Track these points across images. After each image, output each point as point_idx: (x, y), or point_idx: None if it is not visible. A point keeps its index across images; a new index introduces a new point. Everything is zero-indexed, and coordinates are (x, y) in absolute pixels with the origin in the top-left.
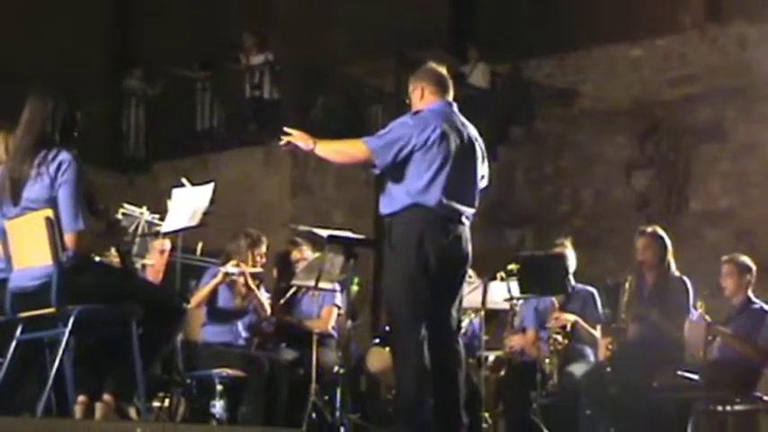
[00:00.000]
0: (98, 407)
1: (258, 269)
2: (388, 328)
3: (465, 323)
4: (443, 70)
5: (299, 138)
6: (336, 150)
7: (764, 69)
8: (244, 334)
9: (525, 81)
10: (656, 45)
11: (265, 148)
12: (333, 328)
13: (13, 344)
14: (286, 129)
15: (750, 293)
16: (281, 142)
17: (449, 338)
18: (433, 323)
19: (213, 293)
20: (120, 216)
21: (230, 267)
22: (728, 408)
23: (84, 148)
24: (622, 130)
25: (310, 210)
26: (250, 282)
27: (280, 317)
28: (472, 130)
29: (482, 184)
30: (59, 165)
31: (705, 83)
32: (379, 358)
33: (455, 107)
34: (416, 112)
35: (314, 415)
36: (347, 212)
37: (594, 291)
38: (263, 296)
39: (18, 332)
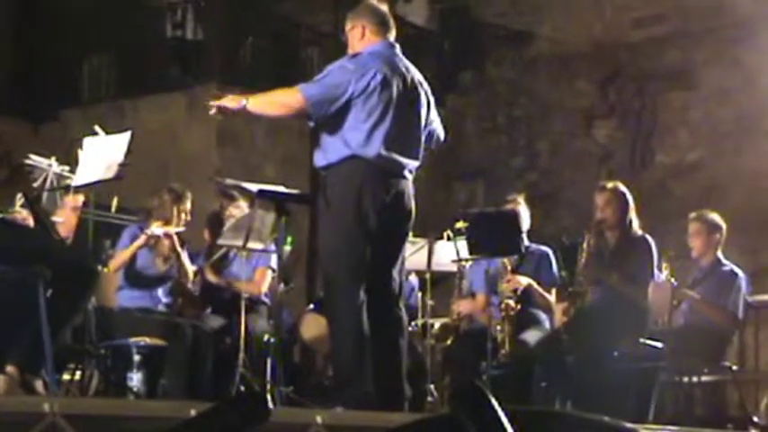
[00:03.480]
0: (1, 379)
1: (181, 228)
2: (323, 293)
3: None
4: (384, 7)
5: (227, 100)
6: (269, 102)
7: (739, 9)
8: (164, 299)
9: (474, 21)
10: None
11: (188, 93)
12: (265, 293)
13: None
14: (212, 95)
15: (719, 254)
16: (211, 111)
17: (389, 303)
18: (373, 286)
19: (133, 255)
20: (27, 168)
21: (155, 228)
22: (695, 378)
23: None
24: (582, 75)
25: (239, 162)
26: (177, 244)
27: (207, 278)
28: (417, 75)
29: (440, 132)
30: None
31: (673, 23)
32: (314, 325)
33: (398, 49)
34: (355, 55)
35: (242, 388)
36: (280, 166)
37: (550, 251)
38: (186, 259)
39: None
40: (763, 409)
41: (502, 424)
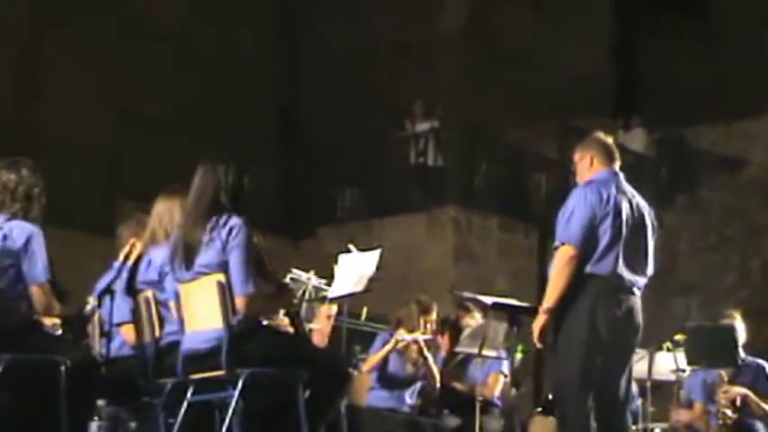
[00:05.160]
0: None
1: (429, 336)
2: (551, 397)
3: None
4: (610, 140)
5: (536, 328)
6: (555, 283)
7: None
8: (409, 401)
9: (688, 148)
10: None
11: (429, 214)
12: (497, 396)
13: (185, 405)
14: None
15: None
16: (539, 344)
17: (616, 410)
18: (602, 394)
19: (385, 358)
20: (289, 281)
21: (404, 334)
22: None
23: (252, 213)
24: None
25: (473, 276)
26: (424, 349)
27: (446, 382)
28: (641, 200)
29: (650, 266)
30: (230, 230)
31: None
32: (541, 428)
33: (621, 176)
34: (588, 183)
35: None
36: (510, 280)
37: (765, 364)
38: (433, 363)
39: (189, 394)
40: None
41: None
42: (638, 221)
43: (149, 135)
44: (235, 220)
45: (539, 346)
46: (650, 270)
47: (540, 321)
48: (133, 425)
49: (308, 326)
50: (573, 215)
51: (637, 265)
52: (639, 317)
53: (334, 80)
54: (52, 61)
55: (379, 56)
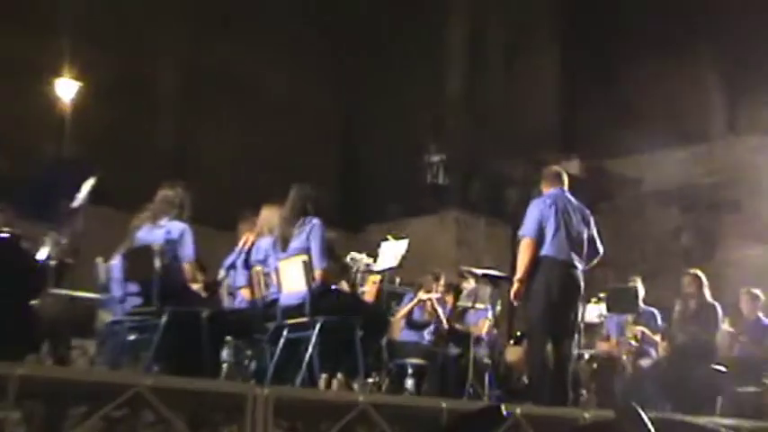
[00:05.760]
0: (334, 382)
1: (439, 295)
2: (519, 334)
3: None
4: (558, 168)
5: (514, 293)
6: (521, 263)
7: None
8: (427, 337)
9: (606, 172)
10: (695, 148)
11: (438, 216)
12: (485, 333)
13: (282, 341)
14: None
15: (760, 314)
16: (516, 301)
17: (566, 342)
18: (558, 332)
19: (410, 310)
20: (348, 260)
21: (423, 295)
22: (745, 389)
23: (324, 216)
24: (673, 205)
25: (468, 256)
26: (436, 305)
27: (451, 325)
28: (578, 204)
29: (599, 249)
30: (312, 227)
31: (726, 174)
32: (513, 353)
33: (566, 192)
34: (541, 197)
35: (471, 390)
36: (493, 258)
37: (656, 311)
38: (442, 314)
39: (285, 333)
40: None
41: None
42: (575, 219)
43: (253, 163)
44: (315, 221)
45: (515, 303)
46: (600, 250)
47: (515, 288)
48: (249, 352)
49: (361, 289)
50: (529, 217)
51: (575, 247)
52: (581, 283)
53: (378, 127)
54: (194, 118)
55: (409, 113)
